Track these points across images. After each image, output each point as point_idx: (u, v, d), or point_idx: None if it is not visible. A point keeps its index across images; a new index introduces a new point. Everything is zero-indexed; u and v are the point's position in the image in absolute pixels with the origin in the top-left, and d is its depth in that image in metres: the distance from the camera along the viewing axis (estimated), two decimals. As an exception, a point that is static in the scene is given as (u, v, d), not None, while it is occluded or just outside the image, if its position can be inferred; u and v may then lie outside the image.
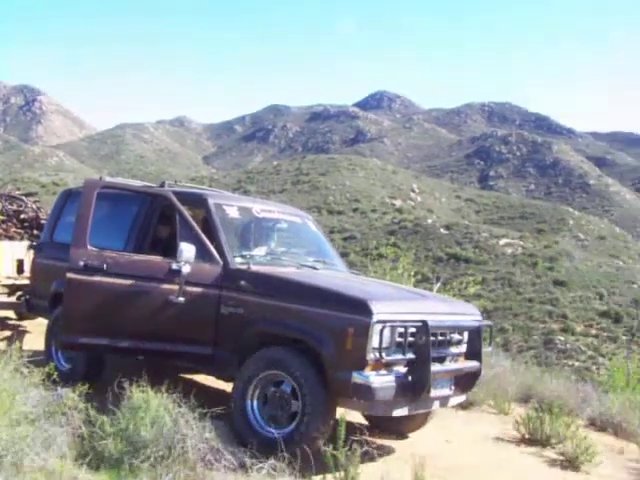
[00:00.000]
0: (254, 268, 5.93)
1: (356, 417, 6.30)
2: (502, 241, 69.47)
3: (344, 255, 55.99)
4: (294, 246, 7.01)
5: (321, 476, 4.12)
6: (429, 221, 75.70)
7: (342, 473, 3.64)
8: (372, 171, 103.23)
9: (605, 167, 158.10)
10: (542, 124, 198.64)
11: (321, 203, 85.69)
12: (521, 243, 69.64)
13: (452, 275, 53.58)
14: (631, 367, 12.28)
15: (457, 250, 66.20)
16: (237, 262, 6.00)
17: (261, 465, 4.65)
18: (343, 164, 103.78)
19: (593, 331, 51.77)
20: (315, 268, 6.47)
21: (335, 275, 6.54)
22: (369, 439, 5.98)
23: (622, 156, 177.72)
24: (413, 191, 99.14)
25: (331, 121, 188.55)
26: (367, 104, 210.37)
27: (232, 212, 6.51)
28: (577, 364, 43.46)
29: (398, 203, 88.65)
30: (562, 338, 49.10)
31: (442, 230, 72.21)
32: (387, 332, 5.15)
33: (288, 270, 6.14)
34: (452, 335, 5.83)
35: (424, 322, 5.32)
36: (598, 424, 8.68)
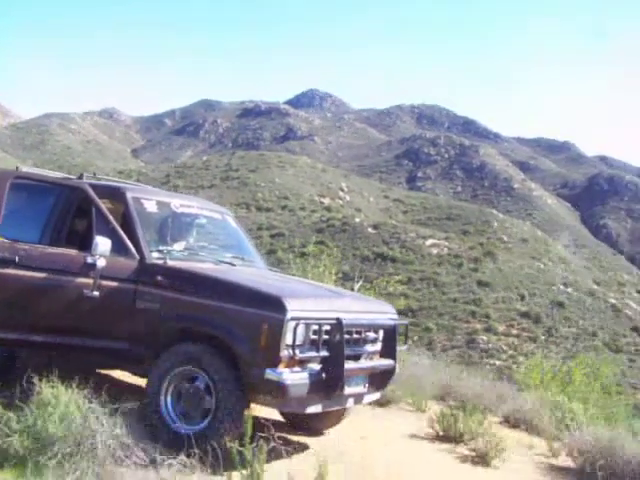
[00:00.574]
0: (170, 263, 5.86)
1: (274, 415, 6.31)
2: (428, 241, 70.44)
3: (272, 252, 56.07)
4: (213, 242, 6.95)
5: (231, 473, 4.09)
6: (357, 220, 76.23)
7: (248, 470, 3.63)
8: (302, 169, 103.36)
9: (529, 172, 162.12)
10: (470, 127, 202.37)
11: (250, 200, 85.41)
12: (447, 244, 70.72)
13: (378, 274, 54.12)
14: (546, 366, 12.60)
15: (384, 249, 66.86)
16: (154, 257, 5.92)
17: (171, 461, 4.60)
18: (273, 161, 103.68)
19: (514, 331, 52.95)
20: (233, 264, 6.43)
21: (252, 272, 6.52)
22: (285, 436, 6.00)
23: (545, 161, 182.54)
24: (342, 190, 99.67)
25: (262, 118, 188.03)
26: (298, 102, 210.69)
27: (150, 206, 6.41)
28: (498, 363, 44.42)
29: (327, 201, 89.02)
30: (485, 338, 50.11)
31: (370, 229, 72.83)
32: (301, 329, 5.16)
33: (205, 266, 6.09)
34: (367, 333, 5.87)
35: (338, 320, 5.34)
36: (512, 421, 8.91)
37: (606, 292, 69.05)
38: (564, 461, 7.26)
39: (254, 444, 3.73)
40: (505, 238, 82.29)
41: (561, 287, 65.39)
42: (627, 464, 6.37)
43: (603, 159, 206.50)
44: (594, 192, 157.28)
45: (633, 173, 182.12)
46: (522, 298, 59.51)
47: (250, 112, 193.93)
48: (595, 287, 69.74)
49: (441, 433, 7.40)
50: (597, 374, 12.30)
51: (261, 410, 5.58)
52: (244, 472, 3.69)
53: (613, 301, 66.10)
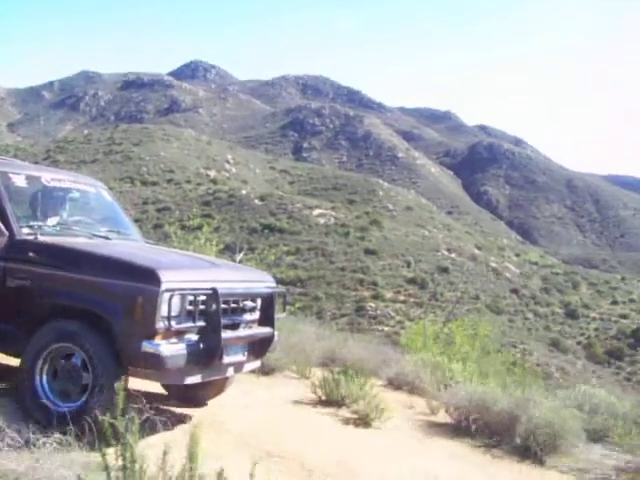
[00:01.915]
0: (42, 239, 5.68)
1: (155, 388, 6.26)
2: (315, 212, 70.98)
3: (158, 227, 55.13)
4: (87, 216, 6.75)
5: (110, 449, 4.04)
6: (243, 192, 75.93)
7: (121, 443, 3.60)
8: (187, 142, 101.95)
9: (412, 141, 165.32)
10: (354, 98, 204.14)
11: (134, 174, 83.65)
12: (333, 214, 71.49)
13: (266, 245, 54.36)
14: (429, 329, 12.98)
15: (271, 221, 66.98)
16: (24, 233, 5.71)
17: (47, 440, 4.49)
18: (157, 134, 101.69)
19: (401, 297, 54.25)
20: (108, 238, 6.29)
21: (127, 245, 6.40)
22: (166, 408, 5.97)
23: (428, 131, 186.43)
24: (228, 162, 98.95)
25: (145, 90, 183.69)
26: (182, 73, 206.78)
27: (19, 181, 6.18)
28: (387, 329, 45.48)
29: (213, 174, 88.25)
30: (373, 305, 51.11)
31: (256, 201, 72.72)
32: (176, 300, 5.12)
33: (78, 240, 5.94)
34: (245, 302, 5.88)
35: (214, 289, 5.33)
36: (395, 383, 9.14)
37: (487, 256, 71.61)
38: (442, 418, 7.53)
39: (127, 416, 3.69)
40: (390, 206, 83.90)
41: (445, 253, 67.30)
42: (498, 416, 6.69)
43: (483, 128, 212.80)
44: (475, 160, 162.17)
45: (510, 141, 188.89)
46: (408, 265, 60.93)
47: (132, 84, 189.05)
48: (477, 252, 72.15)
49: (324, 398, 7.52)
50: (477, 335, 12.78)
51: (142, 384, 5.52)
52: (118, 446, 3.65)
53: (494, 265, 68.66)
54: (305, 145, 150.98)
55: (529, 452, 6.26)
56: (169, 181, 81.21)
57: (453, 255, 67.62)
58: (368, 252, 62.36)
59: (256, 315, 6.12)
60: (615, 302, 67.07)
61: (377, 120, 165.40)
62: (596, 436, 6.78)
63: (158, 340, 5.06)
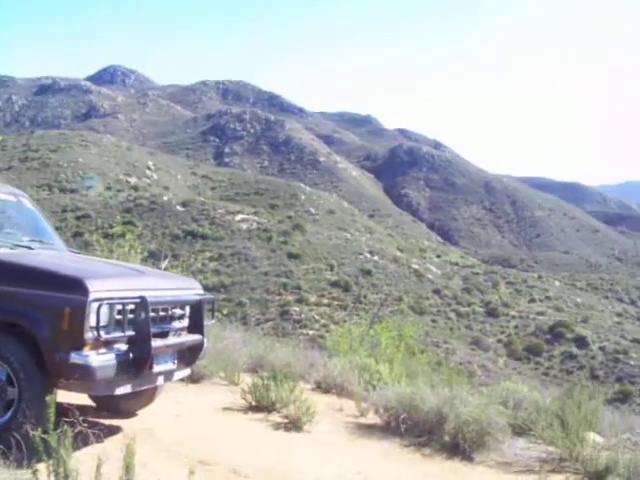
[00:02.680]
0: (-39, 250, 5.53)
1: (83, 400, 6.15)
2: (238, 217, 70.74)
3: (78, 235, 53.99)
4: (7, 226, 6.60)
5: (41, 464, 3.96)
6: (165, 198, 75.07)
7: (54, 458, 3.53)
8: (106, 148, 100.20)
9: (333, 145, 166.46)
10: (275, 102, 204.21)
11: (52, 181, 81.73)
12: (256, 218, 71.38)
13: (189, 252, 53.78)
14: (355, 332, 13.10)
15: (194, 227, 66.42)
16: (-58, 244, 5.56)
17: (-31, 459, 4.37)
18: (75, 140, 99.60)
19: (325, 300, 54.51)
20: (30, 248, 6.16)
21: (51, 255, 6.28)
22: (95, 420, 5.87)
23: (348, 135, 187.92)
24: (149, 168, 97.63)
25: (62, 95, 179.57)
26: (100, 78, 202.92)
27: None
28: (312, 332, 45.63)
29: (133, 180, 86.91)
30: (297, 309, 51.22)
31: (178, 207, 71.98)
32: (105, 310, 5.05)
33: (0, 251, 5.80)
34: (173, 310, 5.84)
35: (143, 298, 5.28)
36: (323, 386, 9.19)
37: (409, 258, 72.62)
38: (372, 419, 7.62)
39: (59, 430, 3.63)
40: (313, 210, 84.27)
41: (367, 255, 67.95)
42: (426, 415, 6.82)
43: (402, 132, 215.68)
44: (395, 163, 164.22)
45: (430, 145, 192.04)
46: (331, 268, 61.29)
47: (48, 89, 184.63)
48: (399, 254, 73.08)
49: (254, 403, 7.52)
50: (402, 336, 12.97)
51: (69, 396, 5.42)
52: (50, 461, 3.58)
53: (416, 266, 69.67)
54: (226, 150, 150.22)
55: (458, 449, 6.39)
56: (88, 188, 79.55)
57: (375, 258, 68.31)
58: (291, 256, 62.48)
59: (185, 322, 6.09)
60: (533, 300, 68.94)
61: (298, 125, 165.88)
62: (520, 430, 6.96)
63: (87, 351, 4.99)
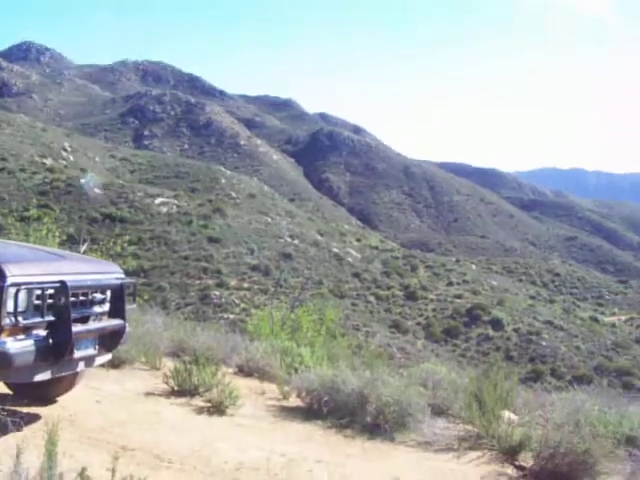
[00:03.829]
0: None
1: (1, 387, 6.02)
2: (157, 200, 69.74)
3: (-11, 218, 52.22)
4: None
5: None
6: (82, 181, 73.30)
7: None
8: (20, 128, 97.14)
9: (254, 128, 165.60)
10: (195, 85, 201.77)
11: (-38, 162, 78.73)
12: (176, 202, 70.51)
13: (107, 236, 52.78)
14: (276, 316, 13.15)
15: (112, 210, 65.12)
16: None
17: None
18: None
19: (246, 284, 54.35)
20: (-57, 232, 5.97)
21: (-34, 238, 6.10)
22: (13, 409, 5.75)
23: (270, 118, 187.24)
24: (65, 150, 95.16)
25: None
26: (12, 55, 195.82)
27: None
28: (232, 317, 45.45)
29: (49, 162, 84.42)
30: (217, 293, 50.92)
31: (97, 190, 70.46)
32: (23, 295, 4.93)
33: None
34: (94, 294, 5.75)
35: (62, 283, 5.18)
36: (245, 370, 9.21)
37: (329, 242, 73.01)
38: (294, 402, 7.68)
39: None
40: (233, 194, 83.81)
41: (288, 239, 68.03)
42: (348, 397, 6.92)
43: (323, 116, 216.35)
44: (316, 148, 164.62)
45: (350, 130, 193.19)
46: (252, 252, 61.11)
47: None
48: (319, 238, 73.37)
49: (176, 388, 7.49)
50: (323, 319, 13.08)
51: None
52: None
53: (336, 250, 70.10)
54: (146, 133, 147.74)
55: (379, 430, 6.52)
56: (1, 169, 76.86)
57: (296, 242, 68.43)
58: (211, 240, 61.99)
59: (106, 307, 6.00)
60: (450, 283, 70.27)
61: (219, 108, 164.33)
62: (439, 410, 7.15)
63: (4, 337, 4.87)
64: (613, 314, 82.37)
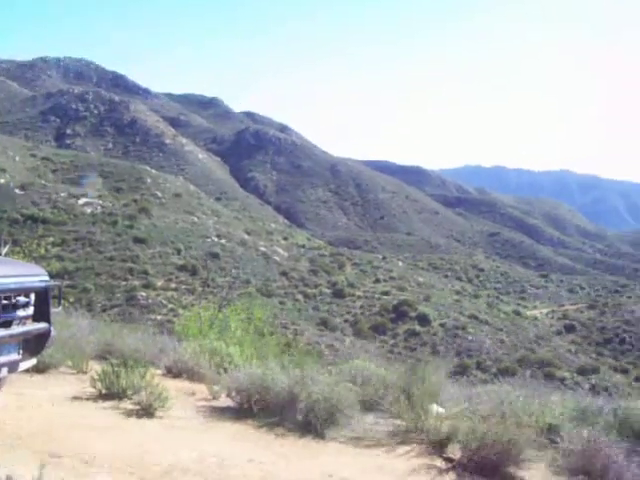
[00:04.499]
0: None
1: None
2: (81, 200, 68.41)
3: None
4: None
5: None
6: (2, 181, 71.31)
7: None
8: None
9: (180, 127, 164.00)
10: (119, 83, 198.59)
11: None
12: (100, 202, 69.31)
13: (30, 237, 51.63)
14: (204, 316, 13.08)
15: (34, 211, 63.52)
16: None
17: None
18: None
19: (173, 285, 53.83)
20: None
21: None
22: None
23: (195, 117, 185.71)
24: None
25: None
26: None
27: None
28: (160, 317, 44.96)
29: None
30: (144, 294, 50.29)
31: (17, 191, 68.64)
32: (-57, 299, 4.79)
33: None
34: (17, 298, 5.61)
35: (-16, 286, 5.05)
36: (174, 371, 9.14)
37: (256, 241, 72.92)
38: (224, 402, 7.66)
39: None
40: (159, 194, 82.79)
41: (215, 239, 67.64)
42: (278, 395, 6.95)
43: (249, 115, 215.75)
44: (242, 146, 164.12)
45: (276, 128, 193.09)
46: (178, 252, 60.56)
47: None
48: (246, 237, 73.21)
49: (104, 391, 7.38)
50: (251, 318, 13.08)
51: None
52: None
53: (263, 249, 70.06)
54: (68, 131, 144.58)
55: (310, 427, 6.56)
56: None
57: (223, 241, 68.10)
58: (137, 240, 61.15)
59: (30, 311, 5.85)
60: (377, 280, 71.04)
61: (143, 106, 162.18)
62: (369, 406, 7.23)
63: None
64: (535, 307, 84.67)
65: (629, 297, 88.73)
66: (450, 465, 5.87)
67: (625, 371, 57.15)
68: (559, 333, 67.28)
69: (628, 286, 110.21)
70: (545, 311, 79.81)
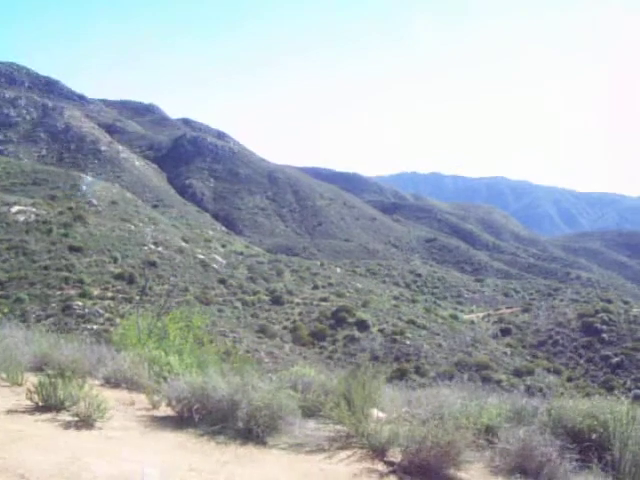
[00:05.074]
0: None
1: None
2: (14, 208, 66.88)
3: None
4: None
5: None
6: None
7: None
8: None
9: (116, 134, 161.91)
10: (53, 88, 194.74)
11: None
12: (34, 210, 67.87)
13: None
14: (142, 324, 12.94)
15: (-40, 220, 61.93)
16: None
17: None
18: None
19: (110, 294, 53.01)
20: None
21: None
22: None
23: (131, 124, 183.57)
24: None
25: None
26: None
27: None
28: (96, 327, 44.25)
29: None
30: (80, 303, 49.39)
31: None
32: None
33: None
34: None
35: None
36: (113, 381, 9.04)
37: (194, 249, 72.41)
38: (164, 411, 7.61)
39: None
40: (95, 201, 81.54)
41: (152, 247, 66.92)
42: (219, 403, 6.94)
43: (186, 122, 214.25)
44: (179, 153, 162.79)
45: (213, 135, 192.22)
46: (115, 260, 59.71)
47: None
48: (184, 245, 72.63)
49: (41, 403, 7.25)
50: (190, 327, 13.00)
51: None
52: None
53: (201, 257, 69.59)
54: (0, 137, 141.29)
55: (251, 434, 6.57)
56: None
57: (160, 249, 67.41)
58: (73, 249, 60.05)
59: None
60: (316, 287, 71.25)
61: (78, 112, 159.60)
62: (310, 412, 7.28)
63: None
64: (471, 312, 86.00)
65: (561, 300, 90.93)
66: (391, 468, 5.95)
67: (558, 372, 58.53)
68: (495, 336, 68.49)
69: (560, 289, 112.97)
70: (481, 315, 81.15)
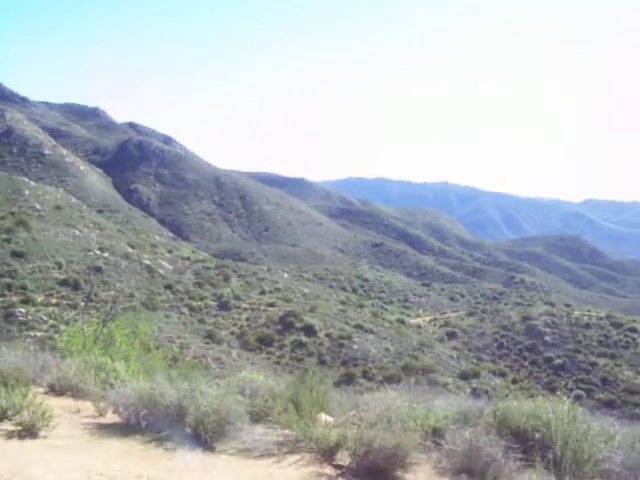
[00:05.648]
0: None
1: None
2: (-47, 214, 65.36)
3: None
4: None
5: None
6: None
7: None
8: None
9: (60, 138, 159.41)
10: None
11: None
12: (-26, 216, 66.44)
13: None
14: (87, 331, 12.79)
15: None
16: None
17: None
18: None
19: (54, 300, 52.17)
20: None
21: None
22: None
23: (76, 128, 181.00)
24: None
25: None
26: None
27: None
28: (40, 334, 43.48)
29: None
30: (23, 310, 48.50)
31: None
32: None
33: None
34: None
35: None
36: (58, 389, 8.91)
37: (140, 254, 71.65)
38: (111, 418, 7.54)
39: None
40: (38, 206, 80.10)
41: (97, 252, 66.03)
42: (166, 409, 6.90)
43: (133, 126, 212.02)
44: (125, 158, 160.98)
45: (159, 139, 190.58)
46: (59, 266, 58.78)
47: None
48: (130, 250, 71.83)
49: (-18, 414, 7.12)
50: (136, 333, 12.89)
51: None
52: None
53: (147, 262, 68.88)
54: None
55: (200, 440, 6.54)
56: None
57: (106, 254, 66.54)
58: (15, 255, 58.89)
59: None
60: (263, 292, 71.13)
61: (21, 115, 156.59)
62: (258, 417, 7.28)
63: None
64: (418, 316, 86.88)
65: (506, 304, 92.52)
66: (340, 472, 5.98)
67: (503, 374, 59.50)
68: (441, 340, 69.31)
69: (505, 293, 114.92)
70: (428, 319, 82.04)
